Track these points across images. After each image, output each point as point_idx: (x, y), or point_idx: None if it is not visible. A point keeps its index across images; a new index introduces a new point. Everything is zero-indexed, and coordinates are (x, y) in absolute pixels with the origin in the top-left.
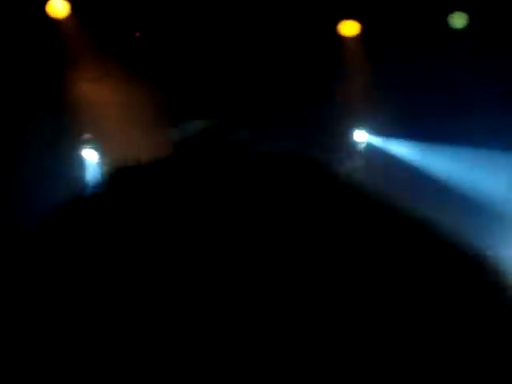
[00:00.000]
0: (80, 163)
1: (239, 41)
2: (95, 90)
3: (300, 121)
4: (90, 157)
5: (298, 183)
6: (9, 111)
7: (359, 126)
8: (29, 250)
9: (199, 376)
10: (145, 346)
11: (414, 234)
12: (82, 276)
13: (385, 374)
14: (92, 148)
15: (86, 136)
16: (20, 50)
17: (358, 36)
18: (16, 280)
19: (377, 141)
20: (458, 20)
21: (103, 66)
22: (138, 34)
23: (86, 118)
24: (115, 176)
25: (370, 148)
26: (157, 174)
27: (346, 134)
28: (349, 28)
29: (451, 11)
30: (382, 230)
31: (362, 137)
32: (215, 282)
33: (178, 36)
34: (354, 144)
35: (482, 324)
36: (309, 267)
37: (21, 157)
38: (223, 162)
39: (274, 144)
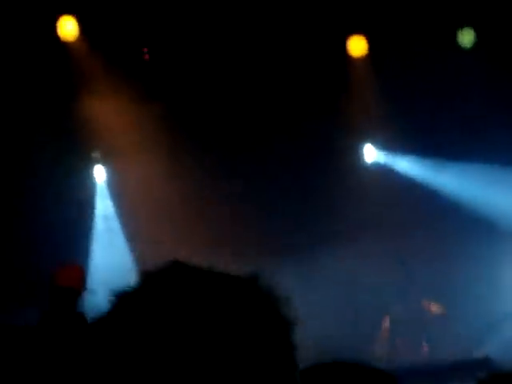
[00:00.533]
0: (90, 183)
1: (247, 59)
2: (105, 110)
3: (308, 137)
4: (99, 176)
5: None
6: (19, 132)
7: (367, 141)
8: None
9: None
10: None
11: None
12: None
13: None
14: (101, 166)
15: (96, 154)
16: (31, 72)
17: (365, 54)
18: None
19: (384, 157)
20: (466, 37)
21: (113, 85)
22: (147, 55)
23: (96, 137)
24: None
25: (378, 166)
26: None
27: (354, 150)
28: (357, 45)
29: (459, 28)
30: None
31: (370, 152)
32: None
33: (187, 57)
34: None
35: None
36: None
37: (31, 176)
38: None
39: (282, 160)
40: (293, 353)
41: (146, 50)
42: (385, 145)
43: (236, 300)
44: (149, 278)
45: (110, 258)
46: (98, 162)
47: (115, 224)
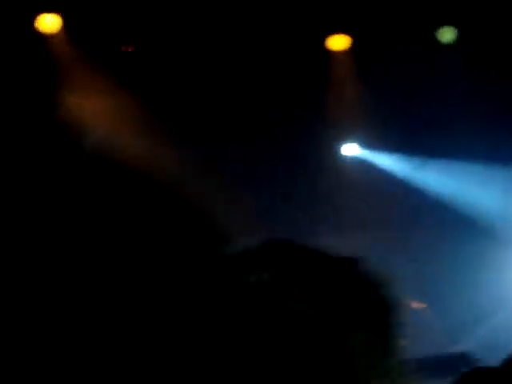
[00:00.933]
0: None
1: (228, 55)
2: (85, 105)
3: (289, 134)
4: None
5: None
6: None
7: (349, 139)
8: None
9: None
10: None
11: None
12: None
13: None
14: None
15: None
16: (9, 66)
17: (347, 50)
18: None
19: (366, 154)
20: (447, 34)
21: (93, 80)
22: (128, 48)
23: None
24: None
25: (359, 161)
26: None
27: (335, 147)
28: (338, 42)
29: (440, 25)
30: None
31: (351, 150)
32: None
33: (167, 50)
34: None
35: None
36: None
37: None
38: None
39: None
40: (390, 332)
41: (127, 43)
42: (366, 141)
43: (336, 279)
44: (244, 253)
45: None
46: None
47: None
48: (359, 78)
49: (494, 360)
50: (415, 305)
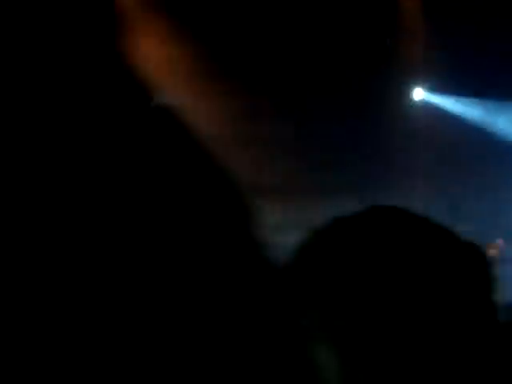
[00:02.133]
0: None
1: (289, 4)
2: (145, 46)
3: (358, 82)
4: None
5: None
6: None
7: (417, 83)
8: None
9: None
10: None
11: None
12: None
13: None
14: None
15: None
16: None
17: None
18: None
19: (435, 99)
20: None
21: (154, 23)
22: None
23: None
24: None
25: (428, 106)
26: None
27: (404, 92)
28: None
29: None
30: None
31: (419, 95)
32: None
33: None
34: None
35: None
36: None
37: None
38: None
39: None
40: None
41: None
42: (437, 86)
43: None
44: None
45: None
46: None
47: None
48: (428, 23)
49: None
50: (492, 250)
